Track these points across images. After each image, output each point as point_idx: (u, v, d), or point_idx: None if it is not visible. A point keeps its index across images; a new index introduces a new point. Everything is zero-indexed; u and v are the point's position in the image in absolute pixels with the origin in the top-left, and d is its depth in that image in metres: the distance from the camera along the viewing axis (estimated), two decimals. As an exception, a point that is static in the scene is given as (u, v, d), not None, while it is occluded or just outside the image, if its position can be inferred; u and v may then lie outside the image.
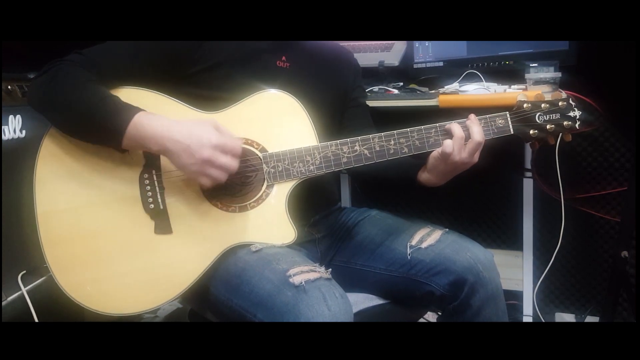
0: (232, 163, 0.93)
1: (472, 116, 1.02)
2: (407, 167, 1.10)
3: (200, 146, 0.90)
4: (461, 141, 0.98)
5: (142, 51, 1.00)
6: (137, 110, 0.92)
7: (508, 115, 1.03)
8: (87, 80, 0.94)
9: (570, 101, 1.04)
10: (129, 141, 0.92)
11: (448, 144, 0.98)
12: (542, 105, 1.04)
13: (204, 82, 1.03)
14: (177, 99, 1.01)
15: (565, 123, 1.04)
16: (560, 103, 1.04)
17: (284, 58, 1.10)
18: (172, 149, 0.91)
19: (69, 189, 0.97)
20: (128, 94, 0.99)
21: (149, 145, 0.93)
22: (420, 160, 1.07)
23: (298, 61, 1.12)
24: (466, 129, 1.00)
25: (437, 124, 1.02)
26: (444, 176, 1.04)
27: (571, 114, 1.04)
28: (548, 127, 1.04)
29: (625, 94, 1.48)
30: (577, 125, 1.04)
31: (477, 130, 0.99)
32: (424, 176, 1.07)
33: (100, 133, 0.94)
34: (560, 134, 1.06)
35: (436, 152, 1.01)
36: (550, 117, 1.04)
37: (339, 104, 1.22)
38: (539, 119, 1.04)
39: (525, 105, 1.03)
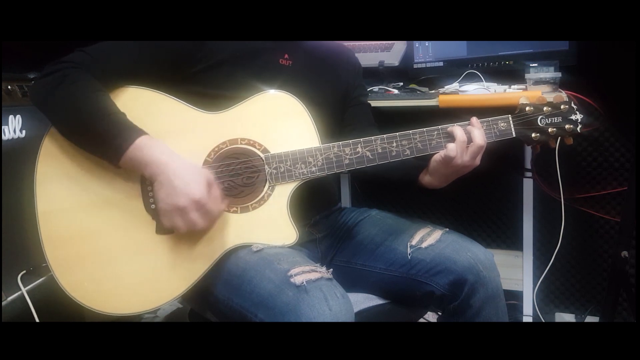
0: (199, 223, 0.91)
1: (474, 119, 1.02)
2: (409, 169, 1.10)
3: (182, 193, 0.90)
4: (464, 144, 0.99)
5: (145, 50, 0.99)
6: (140, 133, 0.92)
7: (510, 118, 1.04)
8: (95, 91, 0.94)
9: (572, 104, 1.04)
10: (126, 162, 0.92)
11: (451, 148, 0.98)
12: (544, 108, 1.04)
13: (207, 81, 1.03)
14: (180, 99, 1.01)
15: (567, 126, 1.04)
16: (562, 106, 1.04)
17: (286, 56, 1.10)
18: (160, 180, 0.91)
19: (70, 188, 0.97)
20: (131, 94, 0.99)
21: (144, 170, 0.93)
22: (422, 162, 1.07)
23: (300, 59, 1.12)
24: (468, 132, 1.00)
25: (440, 126, 1.02)
26: (445, 179, 1.05)
27: (573, 117, 1.04)
28: (550, 130, 1.04)
29: (625, 94, 1.48)
30: (578, 129, 1.04)
31: (479, 133, 1.00)
32: (426, 179, 1.07)
33: (100, 148, 0.94)
34: (561, 137, 1.06)
35: (438, 156, 1.01)
36: (552, 120, 1.04)
37: (341, 102, 1.22)
38: (540, 122, 1.04)
39: (527, 108, 1.04)
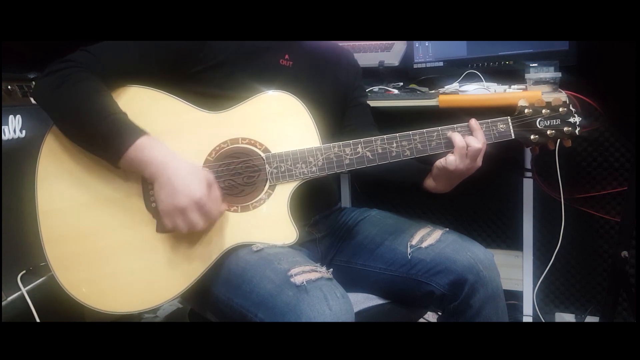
0: (200, 224, 0.91)
1: (472, 121, 1.02)
2: (413, 172, 1.11)
3: (183, 194, 0.90)
4: (463, 150, 0.99)
5: (147, 50, 1.00)
6: (141, 133, 0.92)
7: (509, 120, 1.04)
8: (97, 91, 0.94)
9: (571, 107, 1.05)
10: (126, 162, 0.92)
11: (451, 161, 0.99)
12: (543, 110, 1.04)
13: (208, 80, 1.03)
14: (181, 98, 1.01)
15: (565, 129, 1.05)
16: (560, 109, 1.05)
17: (286, 56, 1.10)
18: (161, 181, 0.91)
19: (71, 186, 0.97)
20: (132, 93, 0.99)
21: (143, 170, 0.93)
22: (425, 166, 1.07)
23: (300, 60, 1.12)
24: (467, 137, 1.00)
25: (440, 128, 1.02)
26: (450, 184, 1.06)
27: (571, 119, 1.05)
28: (548, 132, 1.04)
29: (625, 94, 1.48)
30: (577, 131, 1.05)
31: (478, 135, 1.00)
32: (431, 184, 1.08)
33: (100, 149, 0.94)
34: (559, 139, 1.06)
35: (440, 163, 1.02)
36: (550, 122, 1.05)
37: (340, 102, 1.22)
38: (539, 124, 1.04)
39: (526, 110, 1.04)
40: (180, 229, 0.92)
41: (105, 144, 0.92)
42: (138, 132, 0.92)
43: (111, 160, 0.94)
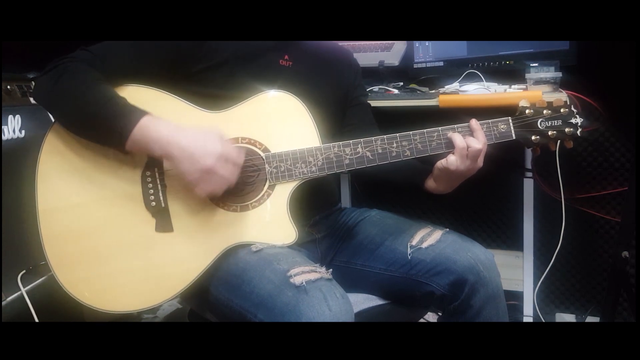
0: (234, 173, 0.93)
1: (473, 121, 1.02)
2: (414, 173, 1.11)
3: (204, 154, 0.90)
4: (463, 151, 0.99)
5: (146, 49, 1.00)
6: (143, 113, 0.92)
7: (510, 120, 1.04)
8: (95, 80, 0.94)
9: (572, 108, 1.05)
10: (133, 144, 0.92)
11: (452, 161, 0.99)
12: (544, 111, 1.04)
13: (207, 80, 1.03)
14: (181, 97, 1.01)
15: (566, 129, 1.04)
16: (562, 109, 1.04)
17: (286, 57, 1.10)
18: (176, 154, 0.91)
19: (71, 185, 0.97)
20: (132, 92, 0.99)
21: (152, 149, 0.93)
22: (426, 166, 1.07)
23: (300, 60, 1.12)
24: (468, 137, 1.00)
25: (440, 128, 1.02)
26: (450, 184, 1.06)
27: (573, 120, 1.05)
28: (550, 133, 1.04)
29: (625, 94, 1.48)
30: (578, 132, 1.05)
31: (479, 136, 1.00)
32: (432, 185, 1.08)
33: (105, 134, 0.94)
34: (561, 140, 1.06)
35: (440, 164, 1.01)
36: (552, 123, 1.04)
37: (341, 102, 1.22)
38: (540, 124, 1.04)
39: (527, 110, 1.04)
40: (219, 188, 0.92)
41: (108, 129, 0.92)
42: (140, 112, 0.92)
43: (118, 145, 0.93)
